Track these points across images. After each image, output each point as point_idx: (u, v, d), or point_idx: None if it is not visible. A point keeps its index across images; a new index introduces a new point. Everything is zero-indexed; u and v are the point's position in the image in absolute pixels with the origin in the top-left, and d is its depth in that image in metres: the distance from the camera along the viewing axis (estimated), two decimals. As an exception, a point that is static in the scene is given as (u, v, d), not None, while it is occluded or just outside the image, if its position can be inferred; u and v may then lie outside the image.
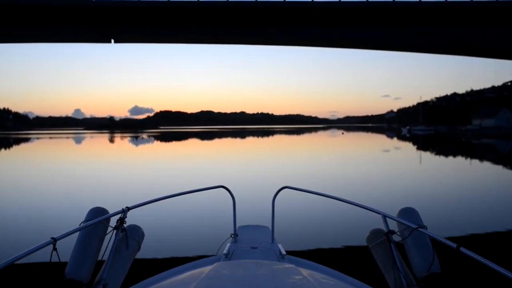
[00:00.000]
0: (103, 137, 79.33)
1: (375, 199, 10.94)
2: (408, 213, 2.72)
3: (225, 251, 3.04)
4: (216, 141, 60.72)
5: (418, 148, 40.74)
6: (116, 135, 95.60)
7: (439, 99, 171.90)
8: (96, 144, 55.23)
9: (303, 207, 9.72)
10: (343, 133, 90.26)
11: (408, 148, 42.07)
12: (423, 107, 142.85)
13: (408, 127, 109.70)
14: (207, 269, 2.19)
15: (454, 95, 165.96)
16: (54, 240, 2.14)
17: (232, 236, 3.26)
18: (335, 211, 9.17)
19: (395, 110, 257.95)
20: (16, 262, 1.94)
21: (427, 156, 31.14)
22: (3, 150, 43.41)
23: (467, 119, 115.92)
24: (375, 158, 27.95)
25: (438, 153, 33.87)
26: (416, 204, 2.88)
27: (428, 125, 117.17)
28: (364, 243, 2.88)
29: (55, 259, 2.10)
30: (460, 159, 27.99)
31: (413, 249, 2.52)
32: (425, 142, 54.07)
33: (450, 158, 29.36)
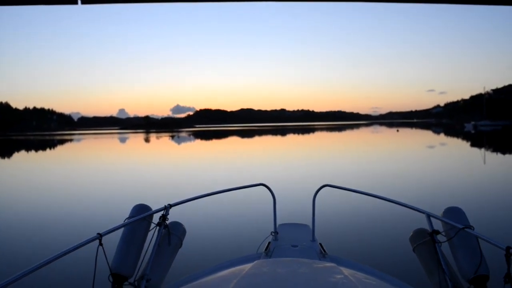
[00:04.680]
0: (137, 137, 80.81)
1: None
2: (454, 213, 2.63)
3: (265, 249, 3.05)
4: (256, 139, 60.90)
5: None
6: (150, 134, 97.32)
7: (496, 92, 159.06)
8: (131, 144, 56.55)
9: (344, 205, 9.60)
10: (398, 131, 78.11)
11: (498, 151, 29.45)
12: (481, 100, 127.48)
13: (473, 123, 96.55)
14: (247, 266, 2.20)
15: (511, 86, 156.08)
16: (100, 236, 2.23)
17: (273, 234, 3.27)
18: (377, 210, 8.98)
19: (441, 104, 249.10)
20: (64, 256, 2.02)
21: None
22: (47, 150, 45.39)
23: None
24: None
25: None
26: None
27: (491, 120, 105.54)
28: (407, 243, 2.82)
29: (100, 253, 2.18)
30: None
31: (459, 249, 2.44)
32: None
33: None
